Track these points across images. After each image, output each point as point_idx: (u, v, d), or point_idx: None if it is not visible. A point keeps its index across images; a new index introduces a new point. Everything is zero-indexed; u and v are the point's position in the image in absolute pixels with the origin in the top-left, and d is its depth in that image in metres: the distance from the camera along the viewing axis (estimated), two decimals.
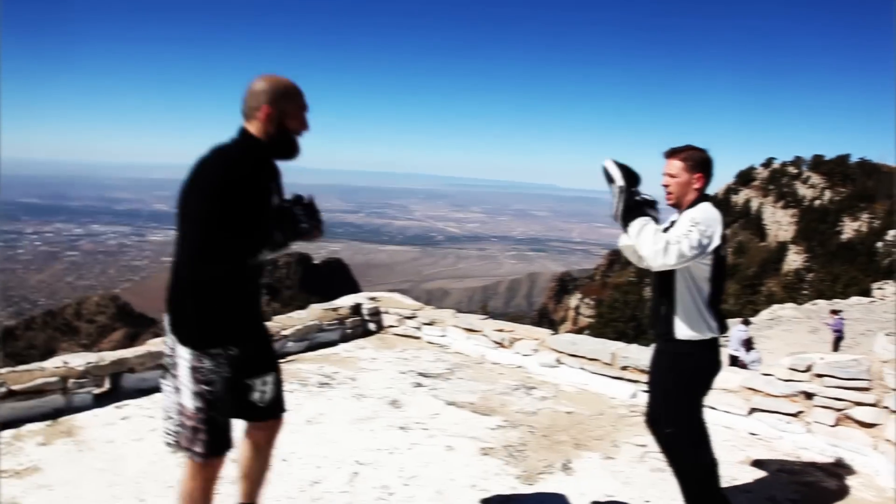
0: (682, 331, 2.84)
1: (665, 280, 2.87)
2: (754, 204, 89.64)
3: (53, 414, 4.16)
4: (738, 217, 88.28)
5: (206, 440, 2.26)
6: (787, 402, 4.12)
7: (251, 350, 2.38)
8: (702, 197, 2.88)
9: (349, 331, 6.33)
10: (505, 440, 4.03)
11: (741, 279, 56.19)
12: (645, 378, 4.67)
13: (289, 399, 4.57)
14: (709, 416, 4.35)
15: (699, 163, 2.86)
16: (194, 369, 2.21)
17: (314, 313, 6.20)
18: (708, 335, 2.85)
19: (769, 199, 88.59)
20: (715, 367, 2.96)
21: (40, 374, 4.24)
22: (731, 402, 4.33)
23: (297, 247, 2.43)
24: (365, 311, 6.55)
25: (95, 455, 3.67)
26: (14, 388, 4.05)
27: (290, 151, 2.31)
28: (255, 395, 2.46)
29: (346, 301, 6.64)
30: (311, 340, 5.95)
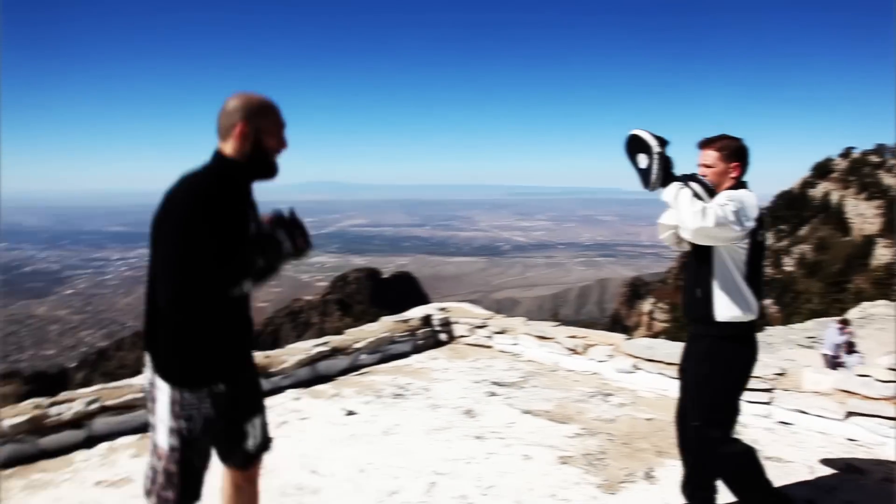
0: (723, 312, 2.76)
1: (702, 262, 2.81)
2: (834, 197, 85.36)
3: (143, 428, 4.31)
4: (817, 212, 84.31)
5: (179, 485, 2.06)
6: (889, 405, 3.87)
7: (240, 388, 2.19)
8: (739, 184, 2.81)
9: (421, 342, 6.35)
10: (583, 448, 3.94)
11: (826, 277, 53.61)
12: None
13: (364, 411, 4.64)
14: (801, 420, 4.16)
15: (735, 151, 2.81)
16: (173, 402, 2.03)
17: (386, 325, 6.25)
18: (749, 316, 2.76)
19: (850, 190, 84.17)
20: (755, 353, 2.86)
21: (129, 390, 4.42)
22: (824, 406, 4.10)
23: (298, 262, 2.21)
24: (435, 322, 6.56)
25: None
26: (107, 403, 4.24)
27: (269, 171, 2.13)
28: (249, 442, 2.27)
29: (416, 312, 6.67)
30: (384, 352, 6.00)
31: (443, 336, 6.56)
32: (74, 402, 4.17)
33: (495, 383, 5.20)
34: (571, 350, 5.63)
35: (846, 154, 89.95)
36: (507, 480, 3.50)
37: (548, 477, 3.54)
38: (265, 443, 2.36)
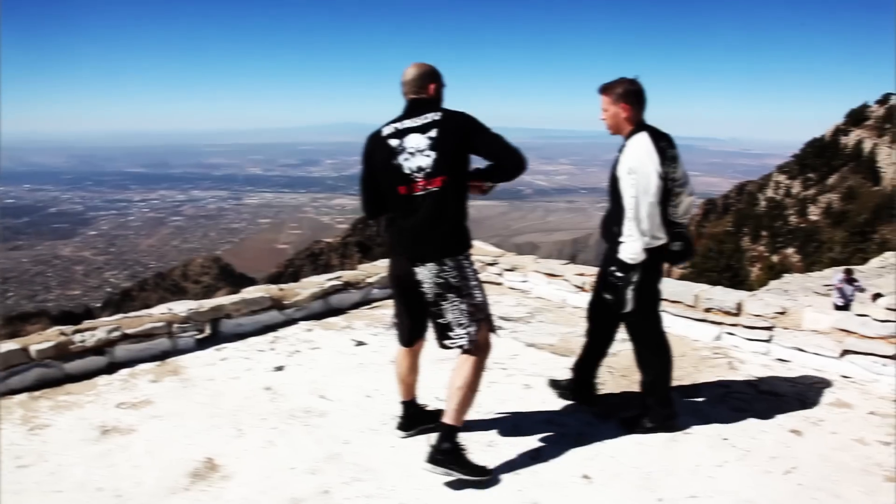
0: None
1: (616, 203, 3.13)
2: (867, 145, 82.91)
3: (161, 355, 4.53)
4: (847, 160, 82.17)
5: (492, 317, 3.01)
6: (884, 343, 3.94)
7: None
8: (638, 127, 3.08)
9: None
10: None
11: (850, 226, 52.76)
12: (730, 320, 4.59)
13: (373, 341, 4.79)
14: (797, 357, 4.25)
15: (623, 94, 3.06)
16: (467, 267, 2.90)
17: None
18: (655, 243, 3.10)
19: (885, 139, 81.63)
20: (660, 275, 3.32)
21: (149, 319, 4.61)
22: (820, 344, 4.18)
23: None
24: None
25: (198, 391, 4.00)
26: (128, 332, 4.44)
27: None
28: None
29: None
30: None
31: None
32: (97, 330, 4.36)
33: (503, 318, 5.32)
34: (579, 287, 5.71)
35: (884, 100, 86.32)
36: (505, 407, 3.66)
37: (545, 404, 3.69)
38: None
